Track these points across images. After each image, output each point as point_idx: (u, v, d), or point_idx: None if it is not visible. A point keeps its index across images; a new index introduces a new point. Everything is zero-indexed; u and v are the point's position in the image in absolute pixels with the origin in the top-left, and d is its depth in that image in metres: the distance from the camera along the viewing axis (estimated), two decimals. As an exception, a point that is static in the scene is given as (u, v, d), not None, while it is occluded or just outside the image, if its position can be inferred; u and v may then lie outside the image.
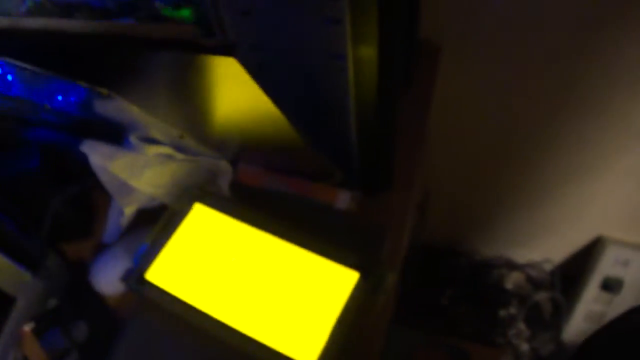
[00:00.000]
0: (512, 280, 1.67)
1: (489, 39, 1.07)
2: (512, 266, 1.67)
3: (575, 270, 1.66)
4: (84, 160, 0.76)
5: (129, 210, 0.77)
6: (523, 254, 1.68)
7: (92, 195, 0.89)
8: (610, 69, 1.08)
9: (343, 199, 0.77)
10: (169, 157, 0.77)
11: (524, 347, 1.61)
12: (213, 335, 0.68)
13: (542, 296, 1.66)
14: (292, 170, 0.79)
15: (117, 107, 0.70)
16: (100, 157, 0.74)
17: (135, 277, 0.74)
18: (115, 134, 0.77)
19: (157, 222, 0.77)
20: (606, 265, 1.57)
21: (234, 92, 0.58)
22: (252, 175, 0.81)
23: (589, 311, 1.64)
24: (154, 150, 0.76)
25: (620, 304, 1.61)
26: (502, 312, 1.63)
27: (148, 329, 0.76)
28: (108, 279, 0.82)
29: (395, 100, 0.79)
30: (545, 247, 1.66)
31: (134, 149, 0.76)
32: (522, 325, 1.63)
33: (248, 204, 0.76)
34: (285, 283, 0.69)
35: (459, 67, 1.15)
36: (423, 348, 1.01)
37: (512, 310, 1.63)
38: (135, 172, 0.76)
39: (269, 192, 0.79)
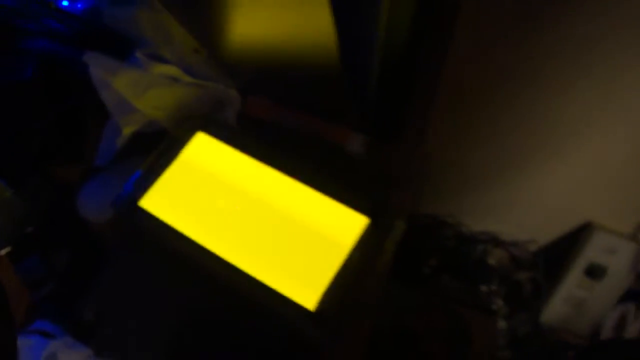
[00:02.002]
0: (496, 257, 1.66)
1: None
2: (497, 243, 1.66)
3: (559, 253, 1.66)
4: (82, 74, 0.71)
5: (128, 131, 0.72)
6: (509, 233, 1.68)
7: (85, 116, 0.83)
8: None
9: (355, 142, 0.73)
10: (175, 79, 0.72)
11: (502, 323, 1.61)
12: (207, 270, 0.64)
13: (523, 275, 1.65)
14: (302, 106, 0.74)
15: (128, 14, 0.65)
16: (102, 70, 0.69)
17: (127, 203, 0.69)
18: (121, 49, 0.72)
19: (156, 148, 0.72)
20: (592, 251, 1.58)
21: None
22: (262, 108, 0.76)
23: (569, 295, 1.65)
24: (160, 69, 0.71)
25: (601, 291, 1.62)
26: (483, 288, 1.62)
27: (135, 260, 0.72)
28: (96, 204, 0.77)
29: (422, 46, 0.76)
30: (532, 227, 1.66)
31: (139, 65, 0.71)
32: (501, 302, 1.62)
33: (255, 137, 0.71)
34: (289, 222, 0.65)
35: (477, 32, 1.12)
36: (418, 308, 0.99)
37: (493, 286, 1.63)
38: (138, 91, 0.71)
39: (277, 127, 0.75)
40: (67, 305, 0.73)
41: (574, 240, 1.61)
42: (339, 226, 0.64)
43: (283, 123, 0.75)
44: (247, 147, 0.70)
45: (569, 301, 1.65)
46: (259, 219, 0.66)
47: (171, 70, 0.72)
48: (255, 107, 0.76)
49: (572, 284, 1.63)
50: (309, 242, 0.64)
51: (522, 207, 1.61)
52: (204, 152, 0.71)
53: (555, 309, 1.66)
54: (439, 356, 0.93)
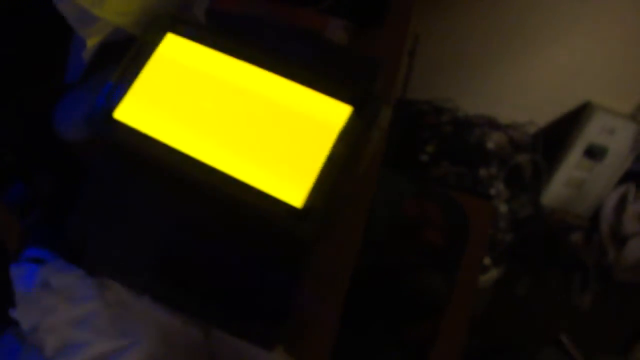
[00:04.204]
0: (494, 141, 1.65)
1: None
2: (495, 126, 1.65)
3: (558, 135, 1.67)
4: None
5: (92, 42, 0.69)
6: (507, 115, 1.66)
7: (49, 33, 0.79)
8: None
9: (334, 28, 0.69)
10: (136, -21, 0.68)
11: (503, 207, 1.62)
12: (189, 177, 0.62)
13: (523, 158, 1.65)
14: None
15: None
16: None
17: (101, 116, 0.66)
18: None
19: (124, 56, 0.68)
20: (592, 132, 1.60)
21: None
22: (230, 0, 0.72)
23: (569, 177, 1.67)
24: (118, -30, 0.66)
25: (601, 172, 1.64)
26: (483, 172, 1.62)
27: (117, 174, 0.70)
28: (72, 123, 0.75)
29: None
30: (530, 108, 1.66)
31: (94, -32, 0.66)
32: (501, 186, 1.62)
33: (227, 32, 0.67)
34: (270, 118, 0.63)
35: None
36: (414, 197, 0.98)
37: (493, 170, 1.62)
38: (98, -1, 0.66)
39: (250, 19, 0.71)
40: (56, 228, 0.71)
41: (573, 121, 1.62)
42: (322, 118, 0.62)
43: (255, 14, 0.70)
44: (220, 45, 0.66)
45: (570, 182, 1.67)
46: (239, 117, 0.63)
47: (130, -31, 0.67)
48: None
49: (572, 165, 1.64)
50: (291, 137, 0.62)
51: (520, 88, 1.61)
52: (175, 54, 0.67)
53: (556, 190, 1.68)
54: (437, 244, 0.93)
